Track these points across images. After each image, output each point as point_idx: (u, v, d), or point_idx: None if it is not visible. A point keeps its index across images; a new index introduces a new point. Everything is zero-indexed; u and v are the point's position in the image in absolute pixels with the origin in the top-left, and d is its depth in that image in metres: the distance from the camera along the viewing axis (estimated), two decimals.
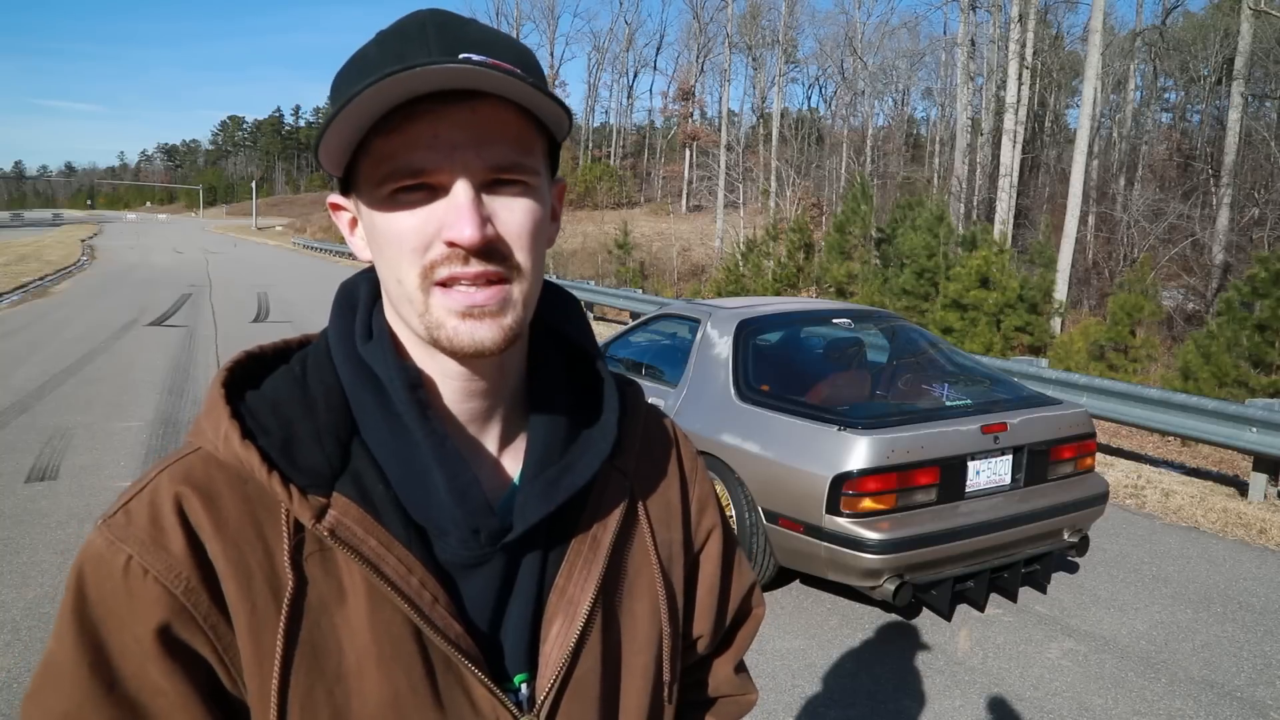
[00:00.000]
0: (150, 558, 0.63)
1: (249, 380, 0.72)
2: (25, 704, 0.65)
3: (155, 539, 0.64)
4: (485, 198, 0.66)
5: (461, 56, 0.62)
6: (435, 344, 0.68)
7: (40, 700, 0.63)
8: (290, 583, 0.65)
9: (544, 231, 0.70)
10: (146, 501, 0.66)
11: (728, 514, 4.35)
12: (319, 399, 0.70)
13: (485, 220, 0.65)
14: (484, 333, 0.66)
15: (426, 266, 0.65)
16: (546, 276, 0.77)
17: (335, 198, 0.74)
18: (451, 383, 0.72)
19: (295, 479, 0.66)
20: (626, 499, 0.79)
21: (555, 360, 0.80)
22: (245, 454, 0.65)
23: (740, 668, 0.99)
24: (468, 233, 0.63)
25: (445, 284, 0.66)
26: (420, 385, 0.71)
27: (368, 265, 0.75)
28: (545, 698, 0.72)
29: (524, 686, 0.72)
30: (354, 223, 0.73)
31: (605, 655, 0.76)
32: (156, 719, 0.63)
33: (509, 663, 0.72)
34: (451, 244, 0.64)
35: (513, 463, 0.76)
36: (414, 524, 0.69)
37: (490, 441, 0.76)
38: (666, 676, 0.82)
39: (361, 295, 0.76)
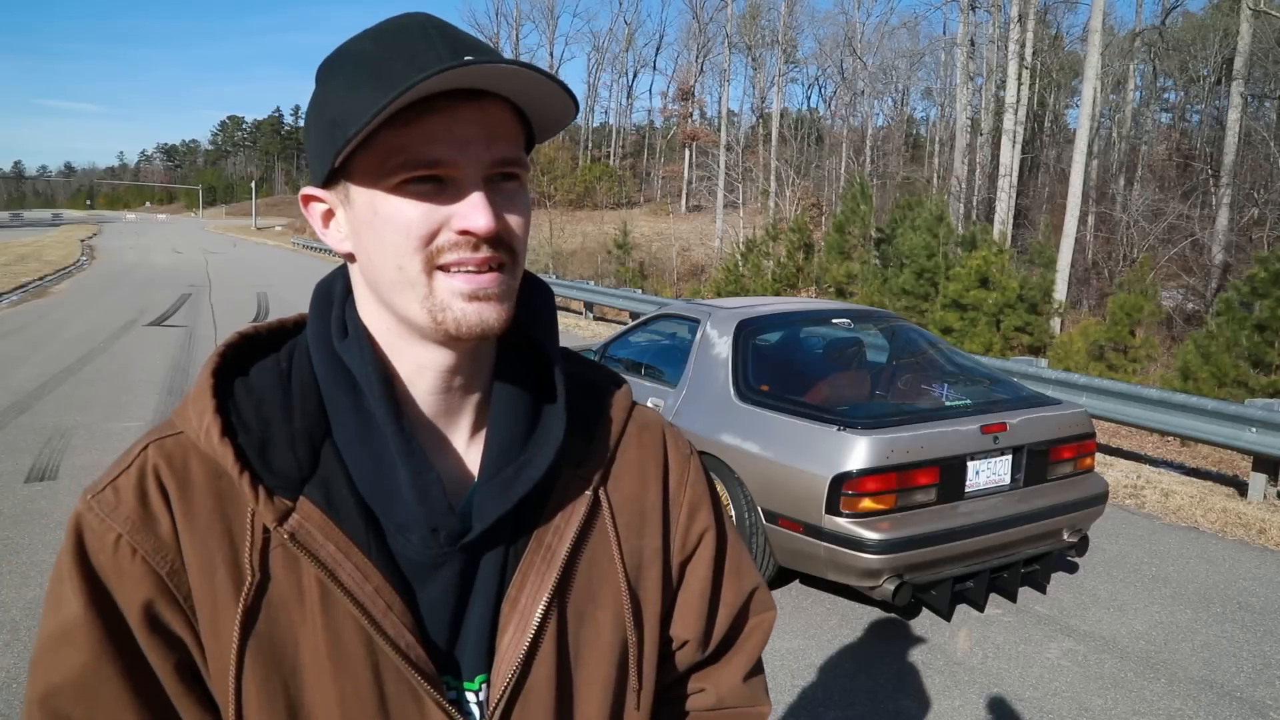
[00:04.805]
0: (139, 538, 0.67)
1: (242, 361, 0.75)
2: (40, 658, 0.68)
3: (145, 521, 0.68)
4: (489, 191, 0.69)
5: (466, 59, 0.64)
6: (438, 326, 0.69)
7: (58, 654, 0.67)
8: (249, 578, 0.68)
9: (530, 223, 0.74)
10: (134, 481, 0.69)
11: (727, 513, 4.35)
12: (297, 399, 0.73)
13: (496, 213, 0.68)
14: (490, 314, 0.69)
15: (432, 252, 0.68)
16: (546, 276, 0.78)
17: (311, 190, 0.73)
18: (429, 374, 0.74)
19: (265, 480, 0.69)
20: (588, 507, 0.79)
21: (519, 356, 0.81)
22: (223, 451, 0.68)
23: (751, 675, 0.94)
24: (483, 222, 0.67)
25: (446, 268, 0.68)
26: (393, 383, 0.74)
27: (343, 261, 0.77)
28: (495, 707, 0.74)
29: (484, 688, 0.74)
30: (328, 214, 0.73)
31: (560, 664, 0.77)
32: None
33: (468, 665, 0.74)
34: (465, 233, 0.67)
35: (478, 459, 0.77)
36: (375, 528, 0.71)
37: (460, 435, 0.78)
38: (634, 684, 0.81)
39: (337, 292, 0.78)
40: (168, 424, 0.73)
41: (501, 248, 0.69)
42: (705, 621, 0.89)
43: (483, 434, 0.78)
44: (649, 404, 3.45)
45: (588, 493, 0.80)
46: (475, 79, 0.65)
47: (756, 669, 0.95)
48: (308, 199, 0.74)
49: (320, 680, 0.69)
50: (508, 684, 0.74)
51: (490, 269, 0.69)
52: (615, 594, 0.80)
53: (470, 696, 0.75)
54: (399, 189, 0.67)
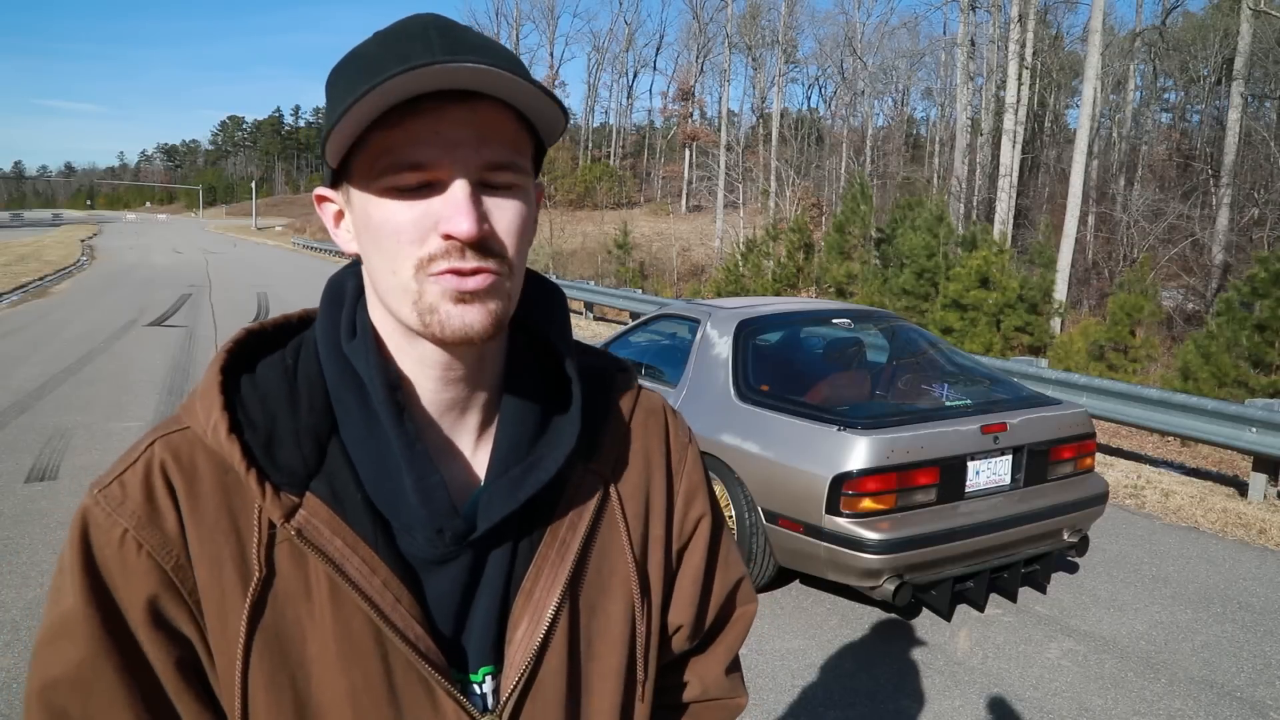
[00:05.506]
0: (145, 533, 0.67)
1: (249, 358, 0.75)
2: (38, 651, 0.68)
3: (151, 516, 0.68)
4: (480, 195, 0.68)
5: (444, 59, 0.63)
6: (426, 329, 0.69)
7: (55, 648, 0.67)
8: (257, 573, 0.68)
9: (530, 230, 0.72)
10: (141, 476, 0.69)
11: (727, 513, 4.37)
12: (303, 396, 0.73)
13: (482, 216, 0.67)
14: (473, 317, 0.68)
15: (424, 259, 0.67)
16: (548, 275, 0.78)
17: (322, 190, 0.75)
18: (431, 371, 0.74)
19: (272, 476, 0.69)
20: (599, 500, 0.80)
21: (530, 356, 0.81)
22: (229, 447, 0.68)
23: (732, 669, 0.96)
24: (465, 226, 0.65)
25: (436, 274, 0.67)
26: (399, 386, 0.73)
27: (351, 259, 0.77)
28: (508, 698, 0.74)
29: (488, 679, 0.74)
30: (339, 215, 0.74)
31: (571, 656, 0.77)
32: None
33: (473, 657, 0.74)
34: (448, 237, 0.66)
35: (486, 458, 0.77)
36: (382, 523, 0.71)
37: (467, 433, 0.77)
38: (640, 675, 0.82)
39: (348, 291, 0.78)
40: (174, 419, 0.73)
41: (491, 256, 0.67)
42: (697, 608, 0.90)
43: (491, 432, 0.78)
44: None
45: (599, 485, 0.80)
46: (442, 80, 0.63)
47: (736, 662, 0.97)
48: (320, 199, 0.76)
49: (329, 674, 0.69)
50: (521, 675, 0.74)
51: (479, 274, 0.68)
52: (625, 584, 0.81)
53: (475, 688, 0.75)
54: (388, 191, 0.67)
